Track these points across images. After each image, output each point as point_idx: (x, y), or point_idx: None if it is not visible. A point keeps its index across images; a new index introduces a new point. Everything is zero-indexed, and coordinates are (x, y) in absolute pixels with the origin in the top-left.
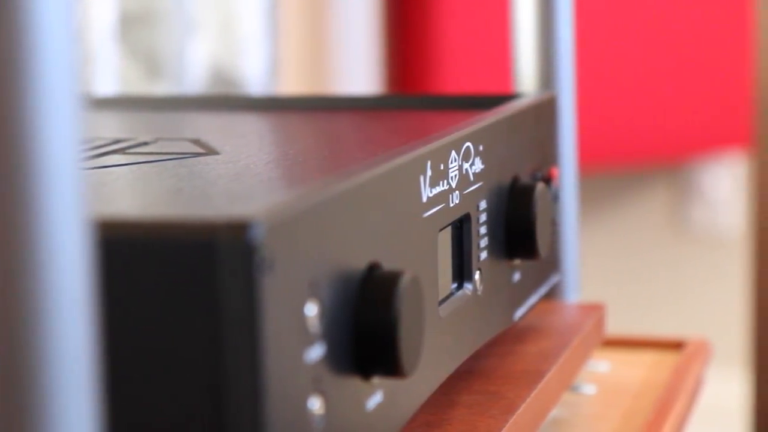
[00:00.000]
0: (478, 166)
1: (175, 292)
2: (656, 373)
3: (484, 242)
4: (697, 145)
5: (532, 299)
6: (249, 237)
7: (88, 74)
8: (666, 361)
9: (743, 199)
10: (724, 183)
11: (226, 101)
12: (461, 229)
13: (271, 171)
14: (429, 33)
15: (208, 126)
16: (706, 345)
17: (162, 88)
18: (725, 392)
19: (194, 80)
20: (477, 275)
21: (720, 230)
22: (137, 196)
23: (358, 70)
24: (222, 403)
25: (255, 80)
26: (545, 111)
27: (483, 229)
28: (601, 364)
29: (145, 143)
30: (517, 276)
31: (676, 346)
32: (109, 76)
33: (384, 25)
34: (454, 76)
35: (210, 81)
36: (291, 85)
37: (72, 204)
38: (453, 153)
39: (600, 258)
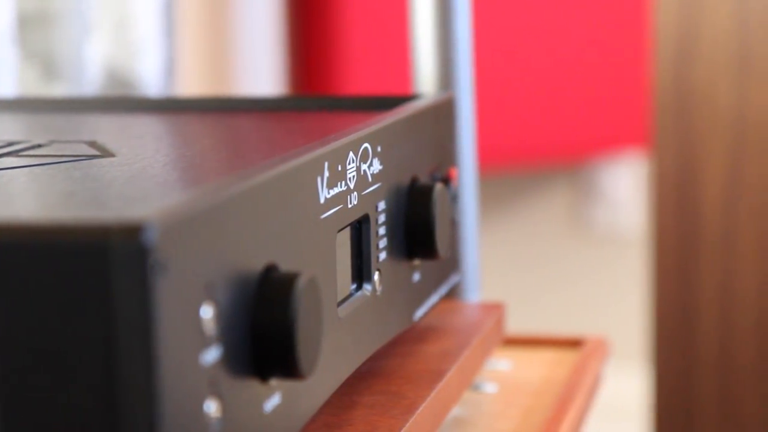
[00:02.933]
0: (377, 167)
1: (68, 296)
2: (556, 370)
3: (383, 243)
4: (597, 145)
5: (433, 299)
6: (142, 239)
7: None
8: (565, 359)
9: (643, 198)
10: (624, 183)
11: (125, 103)
12: (360, 230)
13: (167, 173)
14: (331, 34)
15: (105, 128)
16: (603, 343)
17: (59, 90)
18: (627, 388)
19: (91, 81)
20: (376, 276)
21: (620, 229)
22: (29, 199)
23: (260, 70)
24: (116, 407)
25: (151, 81)
26: (444, 112)
27: (382, 230)
28: (502, 363)
29: (39, 146)
30: (416, 276)
31: (574, 344)
32: (7, 78)
33: (286, 26)
34: (357, 78)
35: (106, 82)
36: (188, 86)
37: None
38: (351, 154)
39: (502, 258)
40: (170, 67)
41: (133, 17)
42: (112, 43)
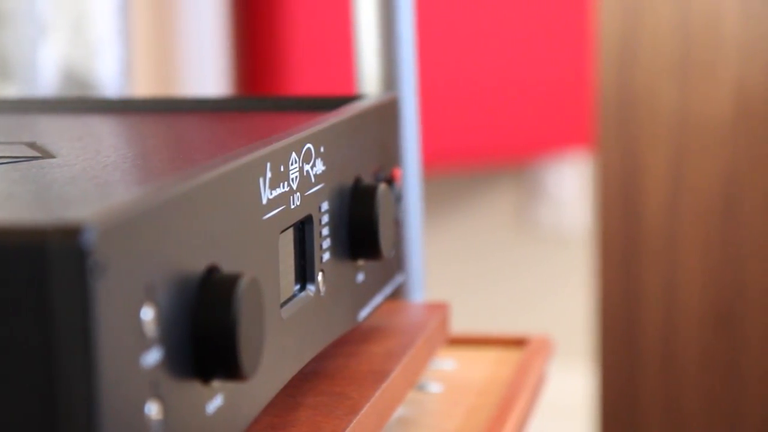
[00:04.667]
0: (320, 167)
1: (6, 298)
2: (500, 370)
3: (326, 243)
4: (542, 145)
5: (377, 299)
6: (80, 241)
7: None
8: (509, 358)
9: (588, 198)
10: (569, 182)
11: (69, 104)
12: (303, 230)
13: (107, 174)
14: (275, 35)
15: (46, 129)
16: (548, 342)
17: (13, 91)
18: (571, 387)
19: (46, 82)
20: (320, 276)
21: (565, 229)
22: None
23: (205, 72)
24: (55, 411)
25: (109, 82)
26: (388, 112)
27: (325, 231)
28: (447, 363)
29: None
30: (360, 277)
31: (519, 343)
32: None
33: (232, 28)
34: (301, 78)
35: (62, 83)
36: (144, 87)
37: None
38: (293, 154)
39: (447, 258)
40: (126, 68)
41: (90, 18)
42: (69, 44)
